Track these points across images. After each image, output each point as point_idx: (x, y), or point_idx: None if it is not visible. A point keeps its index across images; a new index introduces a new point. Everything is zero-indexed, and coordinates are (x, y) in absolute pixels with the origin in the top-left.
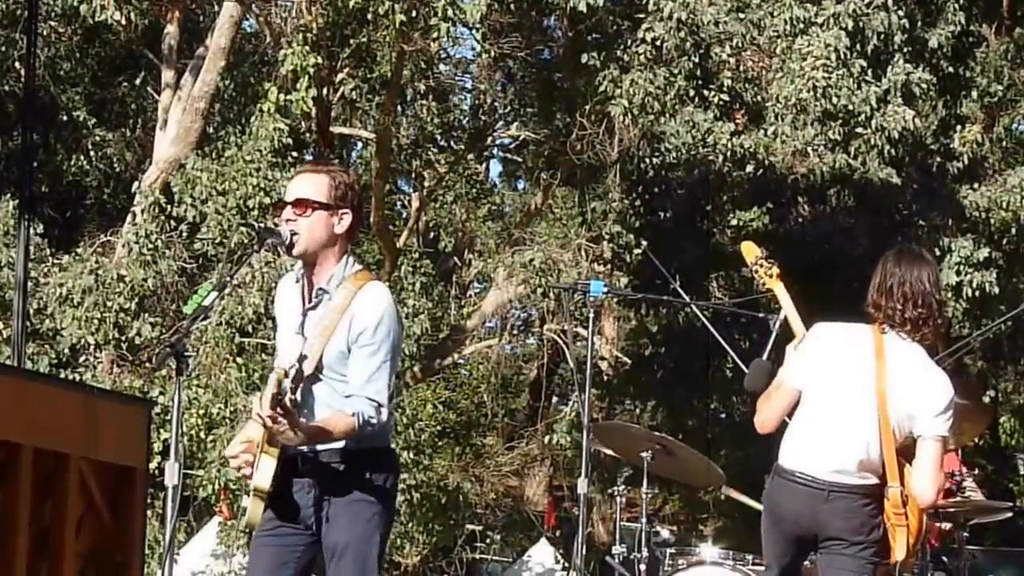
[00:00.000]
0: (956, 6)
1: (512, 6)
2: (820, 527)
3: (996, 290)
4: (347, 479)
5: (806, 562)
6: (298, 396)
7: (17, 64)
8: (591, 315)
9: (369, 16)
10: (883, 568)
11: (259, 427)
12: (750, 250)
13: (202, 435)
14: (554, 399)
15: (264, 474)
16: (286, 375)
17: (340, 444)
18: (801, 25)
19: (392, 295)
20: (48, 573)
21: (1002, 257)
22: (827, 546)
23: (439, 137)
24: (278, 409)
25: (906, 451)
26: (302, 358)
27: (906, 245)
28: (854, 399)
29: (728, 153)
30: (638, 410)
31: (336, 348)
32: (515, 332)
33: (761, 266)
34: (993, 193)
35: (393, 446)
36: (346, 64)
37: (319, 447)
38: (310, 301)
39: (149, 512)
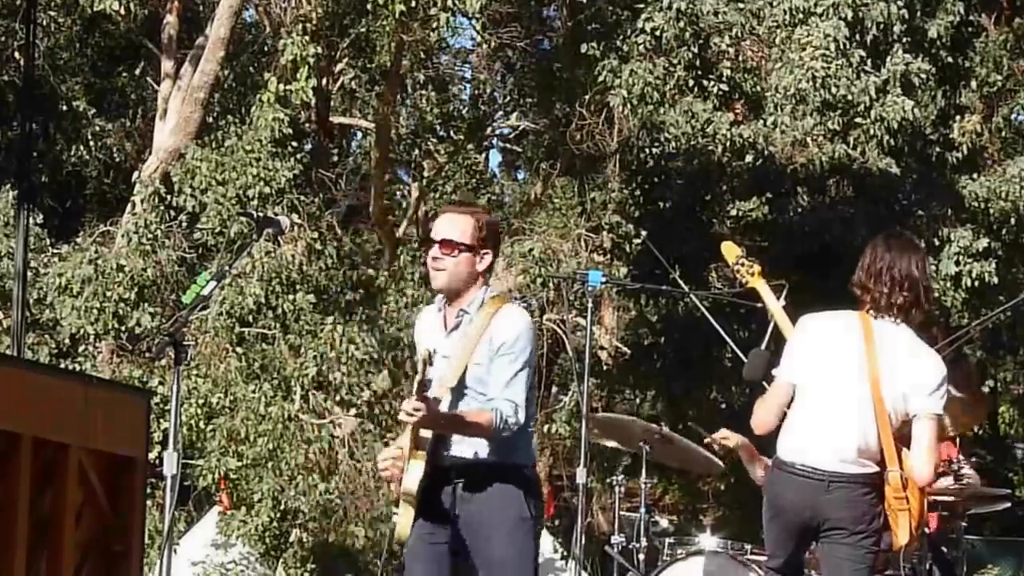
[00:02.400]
0: None
1: None
2: (821, 517)
3: (995, 280)
4: (500, 493)
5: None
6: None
7: (17, 54)
8: (590, 305)
9: (368, 6)
10: (883, 556)
11: (407, 435)
12: (730, 250)
13: (201, 425)
14: (553, 389)
15: (412, 478)
16: (429, 361)
17: (490, 456)
18: (800, 15)
19: (528, 318)
20: (48, 563)
21: (1001, 247)
22: (828, 535)
23: (438, 127)
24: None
25: (904, 437)
26: (428, 359)
27: (896, 231)
28: (848, 386)
29: (727, 143)
30: (638, 400)
31: (479, 363)
32: None
33: (742, 265)
34: (992, 183)
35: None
36: (345, 54)
37: (472, 456)
38: (451, 326)
39: (149, 502)
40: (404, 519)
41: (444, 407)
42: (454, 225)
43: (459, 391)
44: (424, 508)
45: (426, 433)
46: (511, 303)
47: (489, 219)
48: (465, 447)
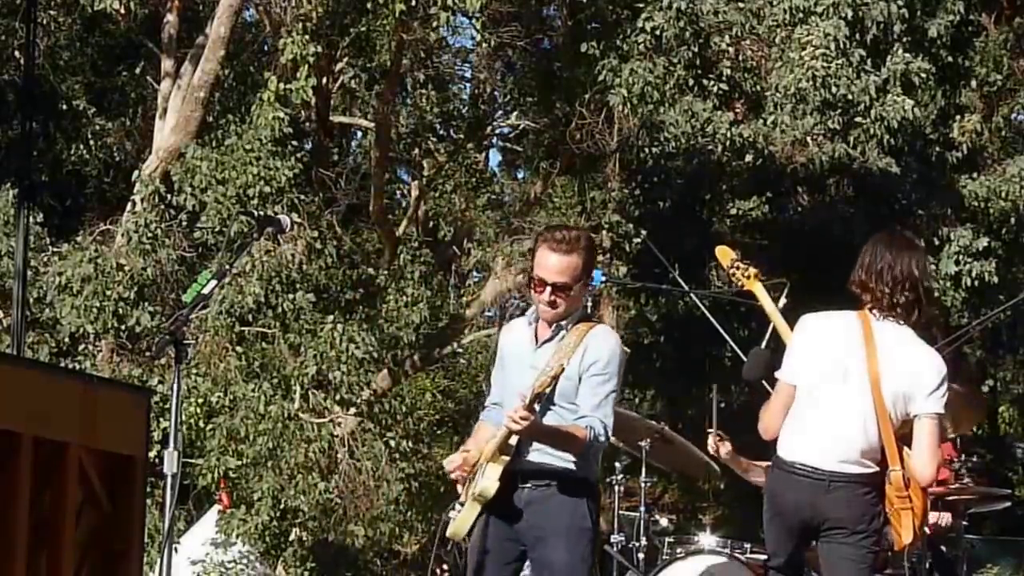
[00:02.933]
0: None
1: None
2: (822, 516)
3: (995, 279)
4: (567, 501)
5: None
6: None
7: (17, 53)
8: (589, 304)
9: (368, 5)
10: (883, 555)
11: (490, 438)
12: (725, 254)
13: (201, 424)
14: None
15: (490, 481)
16: (556, 378)
17: (567, 466)
18: (800, 14)
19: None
20: (48, 562)
21: (1001, 246)
22: (828, 535)
23: (438, 126)
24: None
25: (906, 437)
26: (559, 374)
27: (896, 229)
28: (848, 385)
29: (727, 142)
30: (637, 399)
31: (568, 378)
32: None
33: (738, 268)
34: (992, 183)
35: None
36: (345, 53)
37: (550, 464)
38: (543, 338)
39: (148, 501)
40: (467, 516)
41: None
42: (567, 268)
43: (546, 403)
44: (491, 509)
45: (513, 440)
46: (603, 324)
47: (589, 245)
48: (545, 454)
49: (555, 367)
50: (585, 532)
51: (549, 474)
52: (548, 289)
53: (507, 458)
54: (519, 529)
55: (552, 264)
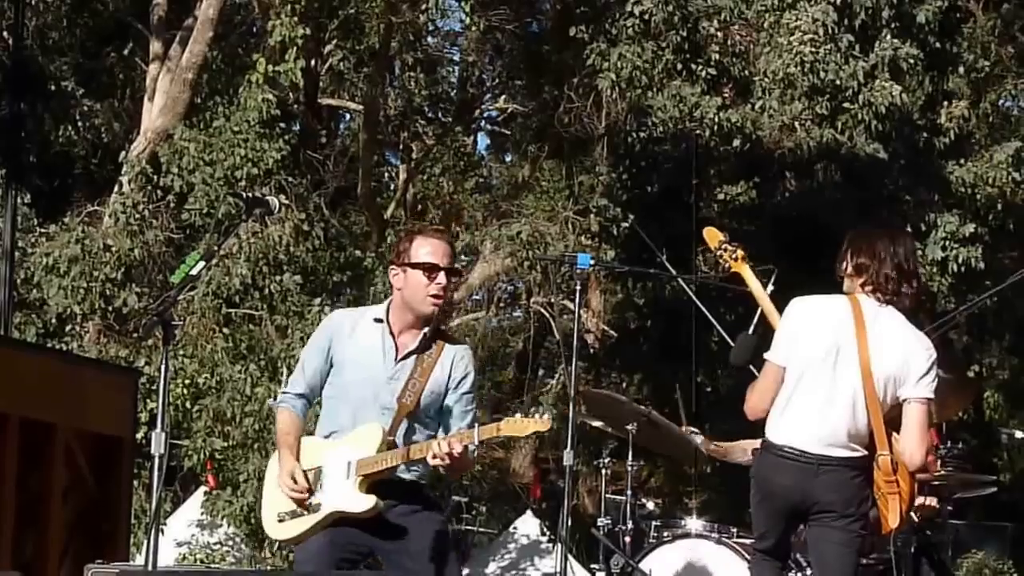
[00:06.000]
0: None
1: None
2: (811, 500)
3: (982, 265)
4: (430, 519)
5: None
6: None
7: (5, 33)
8: (578, 288)
9: None
10: (871, 539)
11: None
12: (713, 235)
13: (188, 405)
14: (540, 372)
15: (365, 504)
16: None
17: (418, 480)
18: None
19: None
20: (35, 542)
21: (987, 233)
22: (817, 518)
23: (427, 109)
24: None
25: (893, 421)
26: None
27: (889, 222)
28: (838, 370)
29: (715, 127)
30: (624, 383)
31: (434, 392)
32: (502, 305)
33: (725, 250)
34: (979, 169)
35: None
36: (334, 35)
37: (402, 479)
38: (407, 348)
39: (135, 482)
40: (311, 526)
41: (400, 432)
42: (451, 253)
43: (415, 417)
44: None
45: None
46: (459, 341)
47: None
48: (408, 471)
49: (418, 390)
50: (453, 556)
51: (412, 491)
52: (441, 276)
53: (381, 476)
54: (374, 541)
55: (440, 249)
